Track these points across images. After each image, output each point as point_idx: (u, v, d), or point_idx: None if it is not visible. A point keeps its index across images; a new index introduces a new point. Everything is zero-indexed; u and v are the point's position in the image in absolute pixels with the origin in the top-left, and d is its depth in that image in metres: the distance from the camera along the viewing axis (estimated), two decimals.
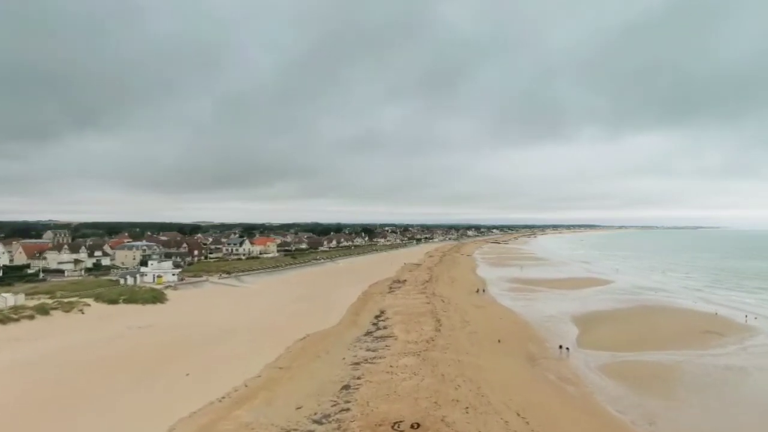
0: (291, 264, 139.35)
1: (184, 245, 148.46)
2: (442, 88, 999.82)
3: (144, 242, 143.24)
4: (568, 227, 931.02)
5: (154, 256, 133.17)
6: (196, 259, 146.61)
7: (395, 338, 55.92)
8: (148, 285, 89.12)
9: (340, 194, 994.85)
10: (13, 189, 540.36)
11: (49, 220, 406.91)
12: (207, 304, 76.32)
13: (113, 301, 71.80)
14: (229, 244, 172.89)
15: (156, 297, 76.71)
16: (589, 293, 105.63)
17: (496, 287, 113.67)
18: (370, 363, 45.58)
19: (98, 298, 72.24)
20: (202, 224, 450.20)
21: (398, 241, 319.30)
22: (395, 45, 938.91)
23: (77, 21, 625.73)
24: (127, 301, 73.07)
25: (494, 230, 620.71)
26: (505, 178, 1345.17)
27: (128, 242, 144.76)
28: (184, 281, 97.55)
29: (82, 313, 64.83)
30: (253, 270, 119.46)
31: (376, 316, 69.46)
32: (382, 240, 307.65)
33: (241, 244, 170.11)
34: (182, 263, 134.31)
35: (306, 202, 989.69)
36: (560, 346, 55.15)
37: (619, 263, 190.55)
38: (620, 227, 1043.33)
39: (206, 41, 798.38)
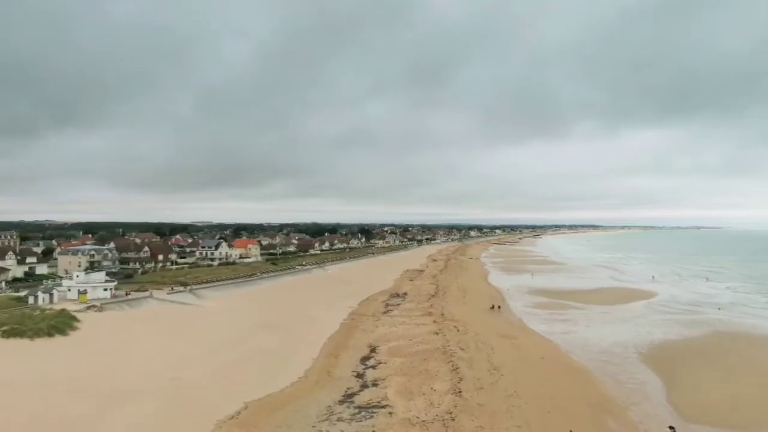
0: (270, 271, 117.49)
1: (146, 249, 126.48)
2: (432, 82, 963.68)
3: (91, 246, 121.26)
4: (571, 227, 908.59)
5: (105, 263, 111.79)
6: (159, 265, 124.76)
7: (390, 410, 34.14)
8: (68, 303, 67.36)
9: (337, 193, 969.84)
10: (6, 188, 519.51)
11: (46, 220, 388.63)
12: (128, 337, 54.43)
13: None
14: (203, 247, 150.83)
15: (58, 326, 54.80)
16: (637, 311, 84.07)
17: (517, 301, 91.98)
18: None
19: None
20: (199, 224, 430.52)
21: (398, 242, 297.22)
22: (380, 35, 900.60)
23: (33, 12, 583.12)
24: (10, 333, 51.19)
25: (497, 230, 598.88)
26: (503, 177, 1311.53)
27: (73, 246, 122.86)
28: (127, 296, 75.82)
29: None
30: (220, 280, 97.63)
31: (364, 359, 47.62)
32: (380, 242, 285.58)
33: (217, 247, 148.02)
34: (137, 270, 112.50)
35: (305, 202, 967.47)
36: (671, 428, 33.32)
37: (646, 268, 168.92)
38: (623, 227, 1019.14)
39: (176, 32, 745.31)
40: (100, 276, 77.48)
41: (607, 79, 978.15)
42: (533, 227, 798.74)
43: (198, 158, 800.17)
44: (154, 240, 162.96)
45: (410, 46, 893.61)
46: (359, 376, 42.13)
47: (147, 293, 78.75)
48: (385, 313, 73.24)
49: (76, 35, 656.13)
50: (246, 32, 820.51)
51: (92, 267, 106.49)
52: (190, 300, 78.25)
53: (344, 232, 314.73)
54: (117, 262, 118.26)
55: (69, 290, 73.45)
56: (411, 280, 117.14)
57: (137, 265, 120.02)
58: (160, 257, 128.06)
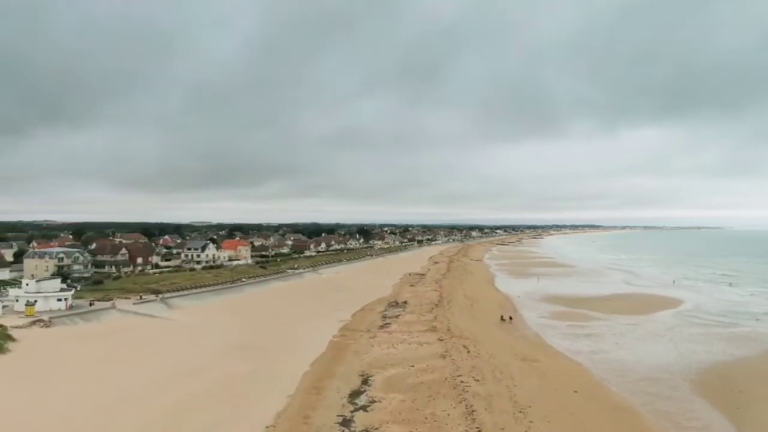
0: (257, 276, 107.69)
1: (123, 251, 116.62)
2: (427, 79, 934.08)
3: (62, 248, 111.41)
4: (572, 227, 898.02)
5: (76, 267, 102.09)
6: (138, 268, 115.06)
7: None
8: (12, 317, 57.68)
9: (337, 193, 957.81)
10: (5, 188, 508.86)
11: (44, 220, 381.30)
12: (67, 363, 44.60)
13: None
14: (189, 249, 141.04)
15: None
16: (667, 322, 74.44)
17: (530, 311, 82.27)
18: None
19: None
20: (197, 224, 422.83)
21: (397, 243, 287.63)
22: (371, 30, 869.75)
23: (9, 7, 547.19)
24: None
25: (498, 231, 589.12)
26: (502, 176, 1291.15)
27: (42, 249, 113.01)
28: (90, 307, 66.22)
29: None
30: (199, 287, 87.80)
31: (353, 395, 37.77)
32: (380, 242, 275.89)
33: (203, 249, 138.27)
34: (111, 275, 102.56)
35: (305, 202, 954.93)
36: None
37: (660, 271, 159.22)
38: (624, 227, 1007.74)
39: (157, 26, 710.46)
40: (55, 284, 67.62)
41: (605, 77, 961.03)
42: (534, 227, 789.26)
43: (194, 157, 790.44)
44: (140, 241, 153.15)
45: (403, 41, 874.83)
46: (345, 423, 32.23)
47: (109, 304, 68.89)
48: (382, 327, 63.33)
49: (55, 31, 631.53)
50: (229, 25, 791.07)
51: (60, 272, 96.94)
52: (158, 312, 68.34)
53: (343, 233, 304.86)
54: (90, 266, 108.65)
55: (17, 300, 63.70)
56: (412, 285, 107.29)
57: (113, 269, 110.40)
58: (140, 260, 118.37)
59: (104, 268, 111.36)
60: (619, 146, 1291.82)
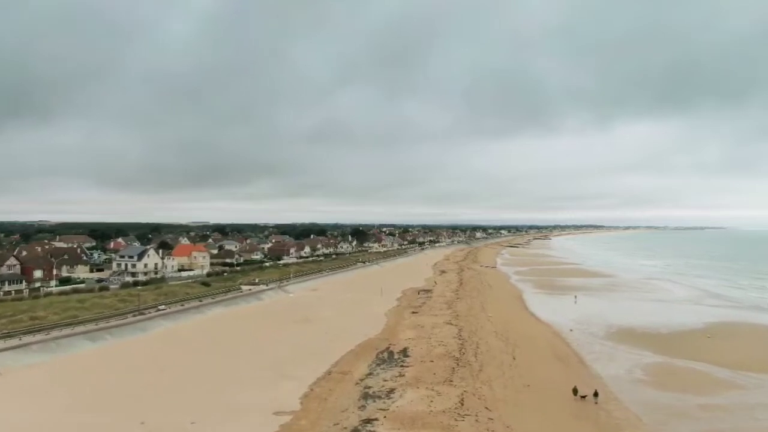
0: (192, 299, 74.96)
1: (12, 262, 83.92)
2: (412, 72, 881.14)
3: None
4: (576, 228, 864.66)
5: None
6: (33, 285, 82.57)
7: None
8: None
9: (334, 193, 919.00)
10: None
11: (37, 221, 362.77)
12: None
13: None
14: (122, 257, 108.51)
15: None
16: None
17: (608, 364, 50.49)
18: None
19: None
20: (192, 225, 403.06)
21: (396, 245, 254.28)
22: (346, 13, 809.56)
23: None
24: None
25: (502, 231, 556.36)
26: (498, 175, 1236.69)
27: None
28: None
29: None
30: (78, 324, 55.19)
31: None
32: (376, 245, 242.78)
33: (140, 256, 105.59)
34: None
35: (304, 202, 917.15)
36: None
37: (719, 282, 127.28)
38: (627, 227, 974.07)
39: (110, 9, 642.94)
40: None
41: (599, 66, 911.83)
42: (537, 227, 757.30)
43: (186, 155, 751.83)
44: (51, 247, 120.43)
45: (383, 30, 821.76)
46: None
47: None
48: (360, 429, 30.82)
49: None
50: (185, 7, 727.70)
51: None
52: None
53: (335, 234, 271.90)
54: None
55: None
56: (414, 312, 74.66)
57: None
58: (39, 274, 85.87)
59: None
60: (614, 143, 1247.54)
